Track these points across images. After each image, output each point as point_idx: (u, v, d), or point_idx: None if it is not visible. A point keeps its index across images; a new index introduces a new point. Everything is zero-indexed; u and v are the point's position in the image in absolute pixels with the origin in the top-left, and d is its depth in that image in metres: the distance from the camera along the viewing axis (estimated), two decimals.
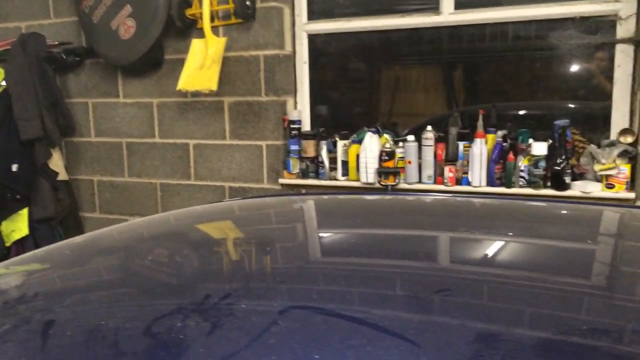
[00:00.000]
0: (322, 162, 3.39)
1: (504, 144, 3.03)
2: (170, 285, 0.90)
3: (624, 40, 2.95)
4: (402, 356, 0.60)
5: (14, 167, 3.62)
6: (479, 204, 1.58)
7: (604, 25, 3.03)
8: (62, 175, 3.87)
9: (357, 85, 3.88)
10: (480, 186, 3.02)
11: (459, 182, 3.09)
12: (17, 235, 3.73)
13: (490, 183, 3.02)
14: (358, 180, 3.27)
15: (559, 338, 0.64)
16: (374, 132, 3.25)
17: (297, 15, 3.51)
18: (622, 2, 2.93)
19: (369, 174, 3.22)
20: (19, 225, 3.74)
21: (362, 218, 1.38)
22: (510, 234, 1.17)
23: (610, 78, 3.02)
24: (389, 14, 3.40)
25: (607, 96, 3.04)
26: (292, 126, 3.45)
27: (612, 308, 0.75)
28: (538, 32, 3.23)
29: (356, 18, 3.47)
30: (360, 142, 3.27)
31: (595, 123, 3.16)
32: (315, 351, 0.61)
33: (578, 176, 2.97)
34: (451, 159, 3.12)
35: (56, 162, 3.82)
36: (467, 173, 3.07)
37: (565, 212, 1.49)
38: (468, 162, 3.06)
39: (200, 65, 3.36)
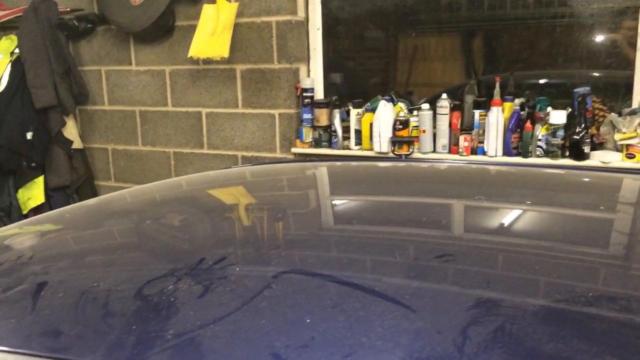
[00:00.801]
0: (335, 131, 3.35)
1: (522, 112, 2.96)
2: (171, 249, 0.88)
3: None
4: (395, 321, 0.57)
5: (29, 135, 3.64)
6: (494, 171, 1.54)
7: None
8: (77, 144, 3.88)
9: (372, 53, 3.80)
10: (496, 156, 2.96)
11: (474, 151, 3.03)
12: (33, 203, 3.77)
13: (506, 152, 2.96)
14: (371, 149, 3.23)
15: (569, 307, 0.61)
16: (388, 101, 3.19)
17: None
18: None
19: (382, 143, 3.17)
20: (34, 193, 3.77)
21: (374, 185, 1.35)
22: (528, 202, 1.13)
23: (633, 45, 2.91)
24: None
25: (630, 64, 2.94)
26: (304, 94, 3.40)
27: (627, 277, 0.72)
28: None
29: None
30: (373, 110, 3.22)
31: (617, 91, 3.06)
32: (306, 315, 0.59)
33: (597, 146, 2.89)
34: (466, 127, 3.06)
35: (70, 131, 3.82)
36: (482, 142, 3.01)
37: (585, 179, 1.44)
38: (484, 131, 3.00)
39: (212, 31, 3.31)
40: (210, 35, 3.30)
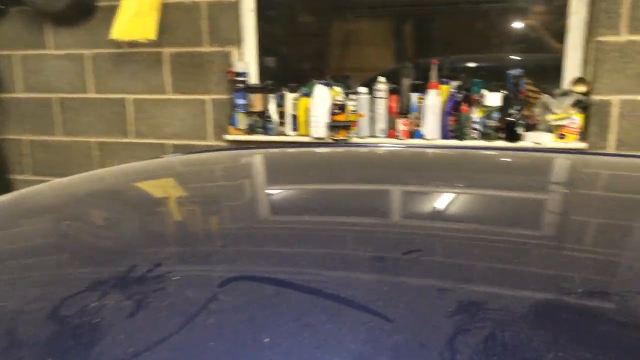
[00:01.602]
0: (271, 117, 3.24)
1: (458, 95, 2.96)
2: (95, 255, 0.75)
3: None
4: (371, 334, 0.48)
5: None
6: (438, 155, 1.48)
7: None
8: None
9: (306, 38, 3.70)
10: (433, 139, 2.95)
11: (412, 135, 3.01)
12: None
13: (443, 135, 2.95)
14: (308, 134, 3.14)
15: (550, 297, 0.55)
16: (324, 85, 3.11)
17: None
18: None
19: (319, 128, 3.09)
20: None
21: (314, 171, 1.26)
22: (491, 186, 1.07)
23: (550, 30, 2.99)
24: None
25: (555, 49, 3.01)
26: (237, 79, 3.26)
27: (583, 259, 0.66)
28: None
29: None
30: (310, 95, 3.12)
31: (547, 73, 3.11)
32: (264, 332, 0.49)
33: (531, 127, 2.93)
34: (404, 111, 3.03)
35: None
36: (420, 126, 2.99)
37: (524, 159, 1.41)
38: (421, 114, 2.97)
39: (137, 11, 3.10)
40: (135, 16, 3.09)
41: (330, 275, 0.61)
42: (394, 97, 3.02)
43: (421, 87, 3.00)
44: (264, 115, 3.26)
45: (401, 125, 2.99)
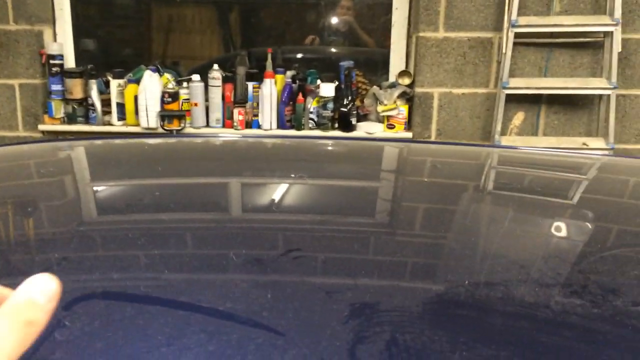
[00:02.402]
0: (93, 105, 2.94)
1: (293, 85, 2.96)
2: None
3: None
4: (261, 353, 0.41)
5: None
6: (279, 145, 1.44)
7: None
8: None
9: (126, 21, 3.43)
10: (270, 129, 2.92)
11: (249, 125, 2.95)
12: None
13: (280, 125, 2.94)
14: (138, 124, 2.91)
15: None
16: (153, 71, 2.90)
17: None
18: None
19: (150, 117, 2.88)
20: None
21: (149, 165, 1.13)
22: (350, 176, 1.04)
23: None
24: None
25: (368, 43, 3.20)
26: (52, 62, 2.91)
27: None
28: None
29: None
30: (137, 81, 2.90)
31: (376, 66, 3.26)
32: None
33: (362, 117, 3.04)
34: (240, 100, 2.95)
35: None
36: (257, 116, 2.94)
37: (364, 148, 1.43)
38: (258, 104, 2.92)
39: None
40: None
41: (198, 285, 0.52)
42: (229, 85, 2.93)
43: (257, 76, 2.95)
44: (85, 102, 2.95)
45: (238, 115, 2.91)
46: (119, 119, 2.95)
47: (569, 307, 0.50)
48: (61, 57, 2.94)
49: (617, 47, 2.72)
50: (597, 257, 0.63)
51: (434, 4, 2.90)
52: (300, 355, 0.41)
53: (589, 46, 2.88)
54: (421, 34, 2.92)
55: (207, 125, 2.96)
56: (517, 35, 2.76)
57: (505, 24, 2.78)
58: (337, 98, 2.94)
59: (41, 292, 0.27)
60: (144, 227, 0.73)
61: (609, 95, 2.77)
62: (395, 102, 2.92)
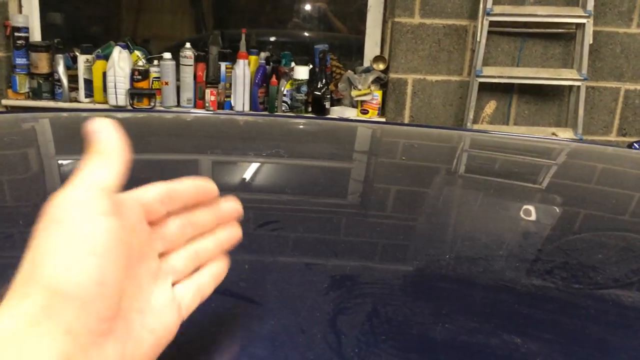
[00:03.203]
0: (59, 80, 2.85)
1: (267, 66, 2.92)
2: None
3: None
4: (241, 322, 0.39)
5: None
6: (254, 124, 1.41)
7: None
8: None
9: None
10: (243, 111, 2.88)
11: (221, 106, 2.90)
12: None
13: (253, 107, 2.90)
14: (106, 102, 2.84)
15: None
16: (123, 47, 2.83)
17: None
18: None
19: (119, 95, 2.80)
20: None
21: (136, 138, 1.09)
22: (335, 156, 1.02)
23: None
24: None
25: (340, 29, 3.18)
26: (17, 34, 2.80)
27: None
28: None
29: None
30: (106, 58, 2.82)
31: (350, 50, 3.24)
32: None
33: (336, 102, 3.03)
34: (212, 81, 2.89)
35: None
36: (229, 97, 2.89)
37: (341, 128, 1.41)
38: (230, 85, 2.88)
39: None
40: None
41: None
42: (202, 65, 2.87)
43: (230, 56, 2.90)
44: (51, 78, 2.86)
45: (210, 95, 2.86)
46: (87, 95, 2.87)
47: (540, 282, 0.50)
48: (26, 29, 2.83)
49: (588, 39, 2.75)
50: (573, 234, 0.64)
51: None
52: (280, 325, 0.40)
53: (561, 37, 2.92)
54: (397, 19, 2.91)
55: (178, 105, 2.90)
56: (491, 23, 2.77)
57: (481, 12, 2.79)
58: (311, 81, 2.92)
59: None
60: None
61: (579, 87, 2.82)
62: (369, 87, 2.91)
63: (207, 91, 2.86)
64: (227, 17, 3.37)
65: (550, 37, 2.91)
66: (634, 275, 0.53)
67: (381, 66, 2.96)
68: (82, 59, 2.83)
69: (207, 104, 2.87)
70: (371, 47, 3.10)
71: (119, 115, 1.54)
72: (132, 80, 2.82)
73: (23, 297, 0.24)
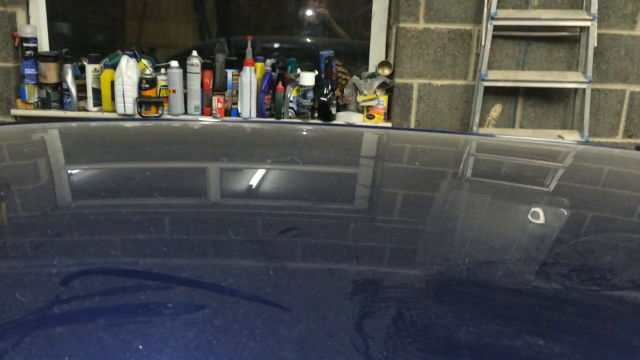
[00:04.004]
0: (68, 90, 2.87)
1: (273, 73, 2.94)
2: None
3: None
4: (267, 329, 0.40)
5: None
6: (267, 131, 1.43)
7: None
8: None
9: (100, 6, 3.36)
10: (250, 117, 2.90)
11: (228, 113, 2.92)
12: None
13: (260, 114, 2.92)
14: (114, 111, 2.86)
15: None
16: (130, 56, 2.85)
17: None
18: None
19: (127, 104, 2.83)
20: None
21: (132, 148, 1.11)
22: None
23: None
24: None
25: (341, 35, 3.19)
26: (25, 45, 2.83)
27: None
28: None
29: None
30: (114, 67, 2.84)
31: (356, 57, 3.26)
32: (138, 339, 0.38)
33: (342, 107, 3.04)
34: (219, 88, 2.92)
35: None
36: (236, 104, 2.91)
37: (353, 134, 1.43)
38: (237, 92, 2.90)
39: None
40: None
41: (201, 265, 0.51)
42: (208, 72, 2.89)
43: (236, 63, 2.92)
44: (59, 87, 2.89)
45: (217, 102, 2.88)
46: (95, 104, 2.90)
47: (559, 285, 0.51)
48: (35, 40, 2.86)
49: (593, 42, 2.76)
50: (587, 237, 0.65)
51: None
52: (307, 330, 0.41)
53: (565, 40, 2.93)
54: (401, 25, 2.93)
55: (186, 112, 2.92)
56: (496, 28, 2.79)
57: (485, 17, 2.80)
58: (317, 87, 2.93)
59: None
60: (150, 211, 0.71)
61: (584, 89, 2.83)
62: (375, 92, 2.93)
63: (214, 98, 2.88)
64: (231, 24, 3.40)
65: (555, 40, 2.92)
66: None
67: (386, 71, 2.98)
68: (90, 68, 2.86)
69: (214, 111, 2.89)
70: (376, 52, 3.12)
71: (128, 124, 1.56)
72: (140, 88, 2.84)
73: None
